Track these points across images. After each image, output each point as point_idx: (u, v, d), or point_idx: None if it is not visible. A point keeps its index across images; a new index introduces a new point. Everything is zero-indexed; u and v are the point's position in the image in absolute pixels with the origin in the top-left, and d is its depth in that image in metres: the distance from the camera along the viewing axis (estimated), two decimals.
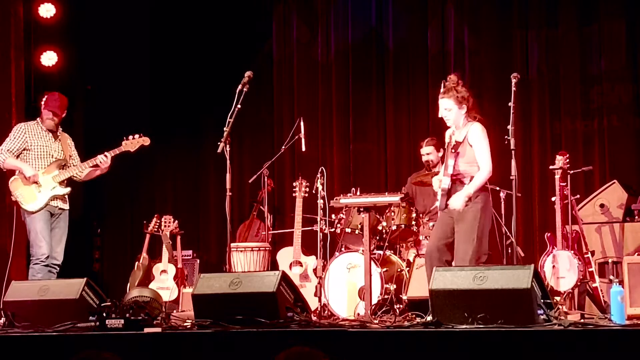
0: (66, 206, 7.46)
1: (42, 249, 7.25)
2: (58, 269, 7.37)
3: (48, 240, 7.29)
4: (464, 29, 9.33)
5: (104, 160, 7.38)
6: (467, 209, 6.25)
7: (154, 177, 10.24)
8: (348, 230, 7.64)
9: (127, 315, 5.69)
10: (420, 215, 7.75)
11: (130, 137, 7.49)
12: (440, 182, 6.36)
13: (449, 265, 6.21)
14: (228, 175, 6.62)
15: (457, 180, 6.34)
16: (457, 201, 6.27)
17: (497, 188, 7.60)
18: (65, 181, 7.43)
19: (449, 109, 6.38)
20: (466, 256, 6.16)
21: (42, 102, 7.51)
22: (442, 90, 6.41)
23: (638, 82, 8.73)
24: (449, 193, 6.31)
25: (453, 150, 6.31)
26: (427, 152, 8.28)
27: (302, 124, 8.27)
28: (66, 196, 7.43)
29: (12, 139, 7.41)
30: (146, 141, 7.53)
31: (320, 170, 7.86)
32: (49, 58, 9.25)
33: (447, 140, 6.51)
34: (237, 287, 5.80)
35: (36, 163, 7.37)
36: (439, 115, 6.46)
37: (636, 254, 7.34)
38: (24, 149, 7.38)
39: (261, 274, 6.33)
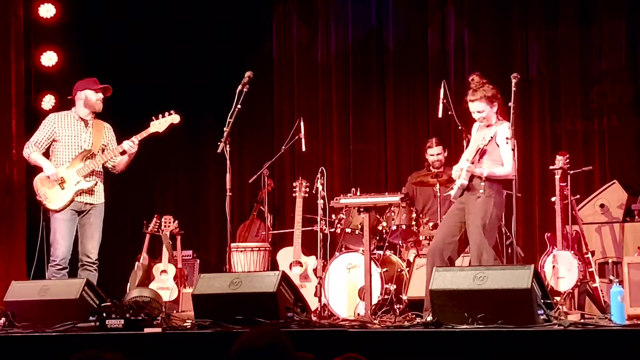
0: (95, 200, 6.96)
1: (57, 251, 6.82)
2: (94, 266, 6.90)
3: (68, 242, 6.84)
4: (464, 29, 9.33)
5: (131, 146, 6.92)
6: (479, 200, 6.18)
7: (154, 177, 10.23)
8: (348, 230, 7.65)
9: (127, 315, 5.69)
10: (420, 215, 7.75)
11: (160, 115, 7.01)
12: (460, 173, 6.30)
13: (451, 263, 6.20)
14: (228, 175, 6.61)
15: (476, 175, 6.27)
16: (465, 166, 6.23)
17: None
18: (93, 173, 6.93)
19: (481, 111, 6.31)
20: (481, 241, 6.11)
21: (82, 87, 7.06)
22: (469, 94, 6.34)
23: (638, 82, 8.73)
24: (467, 186, 6.25)
25: (481, 147, 6.26)
26: (437, 152, 8.30)
27: (302, 124, 8.28)
28: (96, 189, 6.94)
29: (40, 130, 7.00)
30: (175, 119, 7.01)
31: (320, 170, 7.87)
32: (49, 58, 9.23)
33: (473, 133, 6.46)
34: (237, 287, 5.80)
35: (64, 155, 6.92)
36: (474, 117, 6.38)
37: (636, 254, 7.34)
38: (53, 140, 6.95)
39: (261, 274, 6.33)
